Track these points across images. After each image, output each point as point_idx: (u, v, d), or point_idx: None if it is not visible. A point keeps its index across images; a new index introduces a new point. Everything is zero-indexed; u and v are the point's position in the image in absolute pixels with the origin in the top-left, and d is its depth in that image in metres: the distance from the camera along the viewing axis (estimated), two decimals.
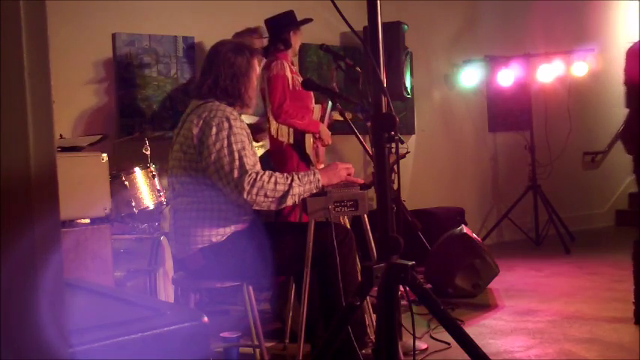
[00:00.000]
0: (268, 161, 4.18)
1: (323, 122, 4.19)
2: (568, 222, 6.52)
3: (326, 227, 2.75)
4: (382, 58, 1.90)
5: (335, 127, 5.06)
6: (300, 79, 4.14)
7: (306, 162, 4.07)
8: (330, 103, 4.25)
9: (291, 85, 4.01)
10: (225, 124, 2.61)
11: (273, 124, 4.05)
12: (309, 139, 4.06)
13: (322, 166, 4.09)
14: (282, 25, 4.18)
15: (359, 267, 3.03)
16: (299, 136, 4.06)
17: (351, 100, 3.20)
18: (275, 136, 4.07)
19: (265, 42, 4.29)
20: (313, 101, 4.22)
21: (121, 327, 1.08)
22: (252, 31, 4.28)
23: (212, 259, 2.68)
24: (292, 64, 4.22)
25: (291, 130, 4.06)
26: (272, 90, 3.96)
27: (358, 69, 3.86)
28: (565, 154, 7.03)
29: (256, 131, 4.21)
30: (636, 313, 3.50)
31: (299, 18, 4.26)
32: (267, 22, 4.25)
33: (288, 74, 4.02)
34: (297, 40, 4.26)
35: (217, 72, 2.75)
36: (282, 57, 4.09)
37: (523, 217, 6.66)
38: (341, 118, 4.30)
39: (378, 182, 1.88)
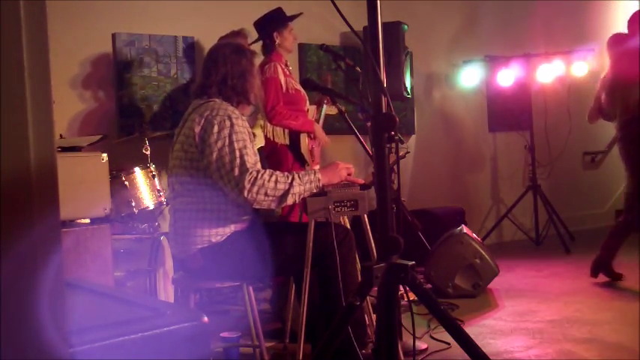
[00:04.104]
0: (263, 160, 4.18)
1: (318, 123, 4.18)
2: (568, 222, 6.52)
3: (326, 227, 2.75)
4: (382, 58, 1.90)
5: (335, 127, 5.07)
6: (294, 81, 4.13)
7: (301, 162, 4.06)
8: (324, 105, 4.24)
9: (284, 88, 3.99)
10: (227, 123, 2.62)
11: (268, 126, 4.04)
12: (304, 140, 4.06)
13: (317, 166, 4.08)
14: (263, 28, 4.13)
15: (359, 267, 3.03)
16: (294, 136, 4.06)
17: (351, 100, 3.19)
18: (271, 138, 4.06)
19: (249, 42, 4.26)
20: (308, 103, 4.21)
21: (121, 327, 1.08)
22: (236, 34, 4.25)
23: (212, 260, 2.69)
24: (286, 64, 4.19)
25: (286, 131, 4.05)
26: (265, 93, 3.94)
27: (358, 69, 3.85)
28: (565, 154, 7.02)
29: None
30: None
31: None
32: (254, 24, 4.23)
33: (281, 77, 3.99)
34: (286, 38, 4.16)
35: (224, 71, 2.78)
36: (275, 59, 4.07)
37: (523, 217, 6.67)
38: (332, 112, 4.32)
39: (378, 182, 1.88)
